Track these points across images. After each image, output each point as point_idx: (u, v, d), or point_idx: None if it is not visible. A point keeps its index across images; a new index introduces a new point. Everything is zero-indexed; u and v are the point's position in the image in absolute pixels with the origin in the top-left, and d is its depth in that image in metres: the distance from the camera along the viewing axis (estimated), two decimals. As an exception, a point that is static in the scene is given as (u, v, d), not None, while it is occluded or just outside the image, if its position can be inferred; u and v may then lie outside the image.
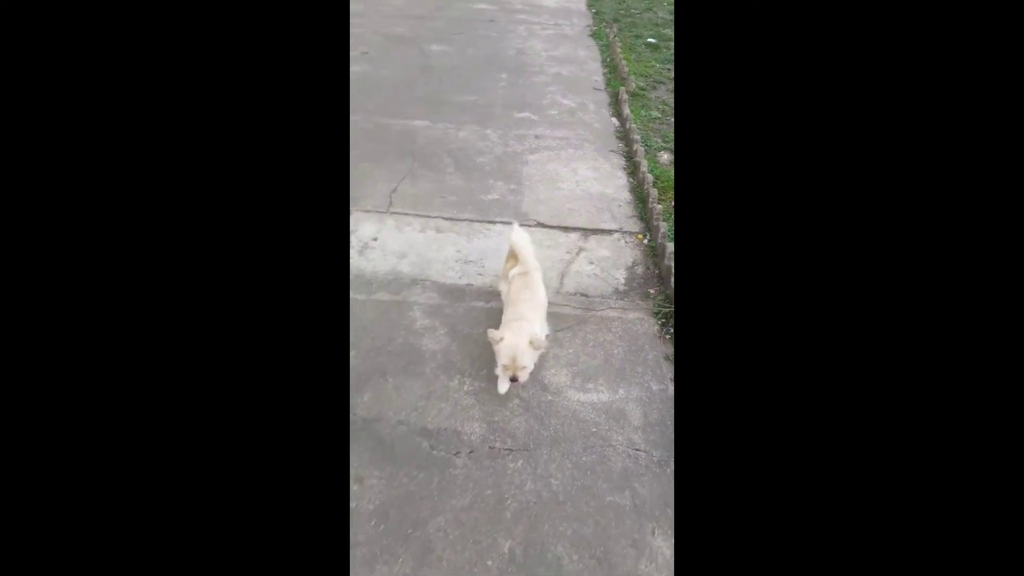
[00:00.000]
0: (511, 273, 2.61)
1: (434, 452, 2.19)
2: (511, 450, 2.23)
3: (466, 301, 2.95)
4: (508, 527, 1.97)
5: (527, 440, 2.28)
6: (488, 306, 2.93)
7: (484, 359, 2.59)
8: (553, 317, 2.90)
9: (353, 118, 4.62)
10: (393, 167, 4.06)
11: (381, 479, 2.08)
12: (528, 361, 2.22)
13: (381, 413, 2.32)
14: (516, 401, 2.43)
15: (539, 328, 2.39)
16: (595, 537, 1.96)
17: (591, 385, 2.53)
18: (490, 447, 2.23)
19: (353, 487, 2.04)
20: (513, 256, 2.65)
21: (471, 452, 2.21)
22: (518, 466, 2.17)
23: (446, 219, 3.57)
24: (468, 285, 3.06)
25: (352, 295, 2.91)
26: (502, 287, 2.70)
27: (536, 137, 4.65)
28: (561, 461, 2.20)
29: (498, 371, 2.36)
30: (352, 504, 1.98)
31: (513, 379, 2.25)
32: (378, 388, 2.42)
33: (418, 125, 4.66)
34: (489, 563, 1.86)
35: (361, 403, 2.35)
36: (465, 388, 2.47)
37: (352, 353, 2.57)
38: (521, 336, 2.21)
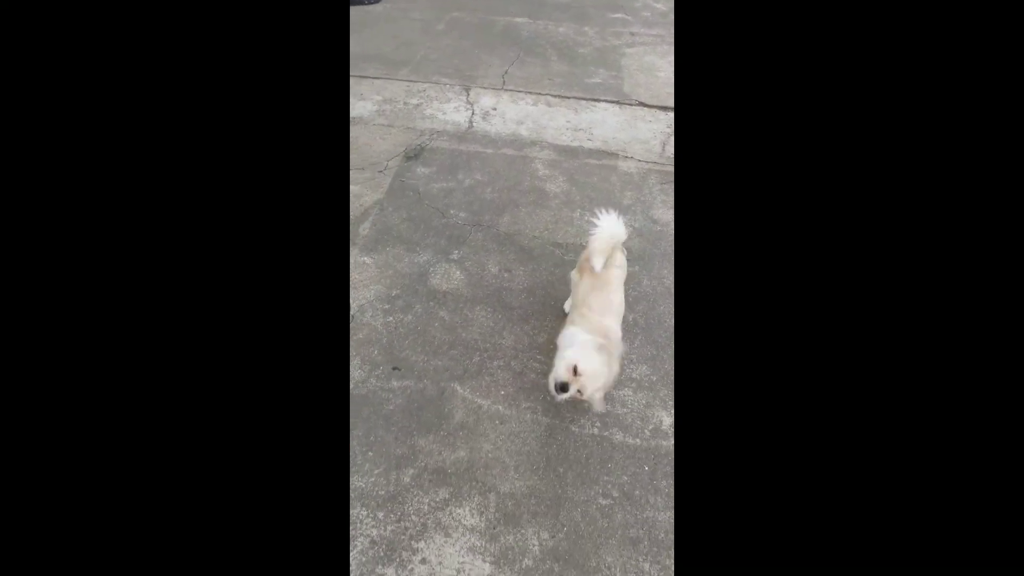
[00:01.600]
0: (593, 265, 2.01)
1: (565, 257, 2.65)
2: (629, 260, 2.66)
3: (580, 159, 3.35)
4: (631, 306, 2.42)
5: (641, 254, 2.70)
6: (600, 163, 3.32)
7: (600, 201, 3.00)
8: (657, 173, 3.27)
9: (458, 15, 4.96)
10: (503, 54, 4.41)
11: (525, 271, 2.56)
12: (600, 379, 1.70)
13: (519, 230, 2.79)
14: (630, 228, 2.84)
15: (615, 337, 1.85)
16: (704, 317, 2.39)
17: (695, 221, 2.91)
18: (611, 257, 2.67)
19: (504, 273, 2.53)
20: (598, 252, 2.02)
21: (596, 259, 2.65)
22: (635, 270, 2.61)
23: (555, 96, 3.93)
24: (580, 147, 3.45)
25: (480, 149, 3.35)
26: (573, 277, 2.20)
27: (632, 34, 4.86)
28: (670, 268, 2.62)
29: (551, 386, 1.75)
30: (507, 284, 2.48)
31: (563, 388, 1.69)
32: (514, 213, 2.89)
33: (520, 22, 4.96)
34: (618, 326, 2.33)
35: (502, 222, 2.82)
36: (586, 219, 2.89)
37: (488, 190, 3.03)
38: (588, 352, 1.71)
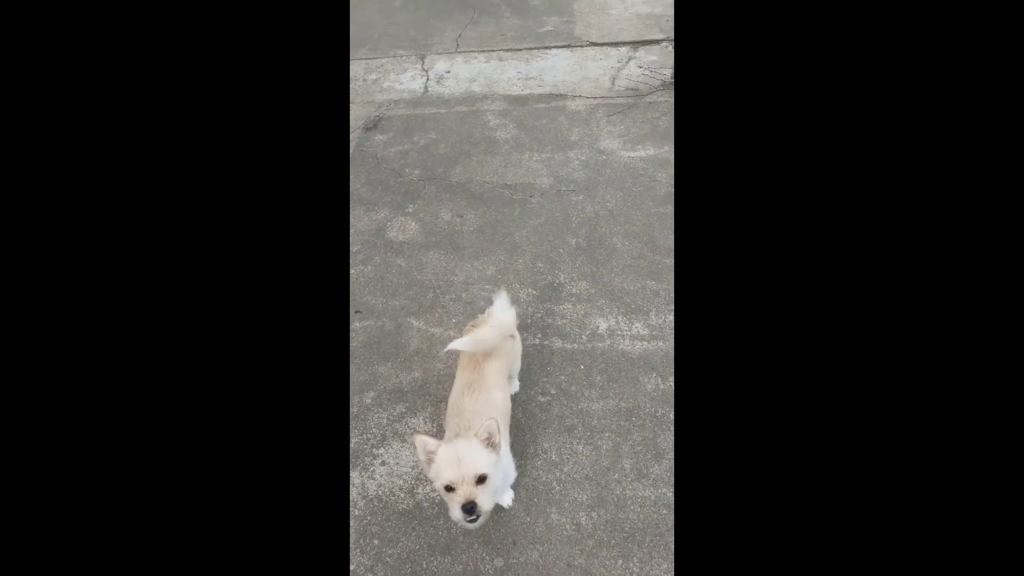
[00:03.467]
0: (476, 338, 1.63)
1: (514, 196, 2.81)
2: (574, 190, 2.80)
3: (529, 105, 3.46)
4: (574, 231, 2.57)
5: (586, 183, 2.83)
6: (548, 106, 3.43)
7: (548, 141, 3.13)
8: (605, 107, 3.36)
9: (415, -13, 5.06)
10: (457, 19, 4.52)
11: (475, 214, 2.73)
12: (484, 465, 1.31)
13: (470, 178, 2.95)
14: (576, 162, 2.97)
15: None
16: (642, 231, 2.52)
17: (639, 146, 3.01)
18: (557, 191, 2.81)
19: (456, 219, 2.71)
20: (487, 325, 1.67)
21: (543, 194, 2.80)
22: (579, 199, 2.75)
23: (507, 50, 4.03)
24: (529, 94, 3.56)
25: (435, 110, 3.50)
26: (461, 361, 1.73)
27: (585, -23, 4.87)
28: (615, 192, 2.75)
29: (451, 507, 1.34)
30: (459, 228, 2.66)
31: (468, 509, 1.29)
32: (465, 164, 3.05)
33: (474, -16, 5.02)
34: (561, 250, 2.49)
35: (454, 173, 2.99)
36: (535, 159, 3.03)
37: (441, 146, 3.19)
38: (467, 442, 1.35)
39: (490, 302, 1.78)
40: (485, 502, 1.31)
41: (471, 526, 1.40)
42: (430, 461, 1.33)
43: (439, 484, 1.32)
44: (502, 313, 1.68)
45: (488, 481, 1.31)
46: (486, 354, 1.64)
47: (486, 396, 1.56)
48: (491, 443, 1.36)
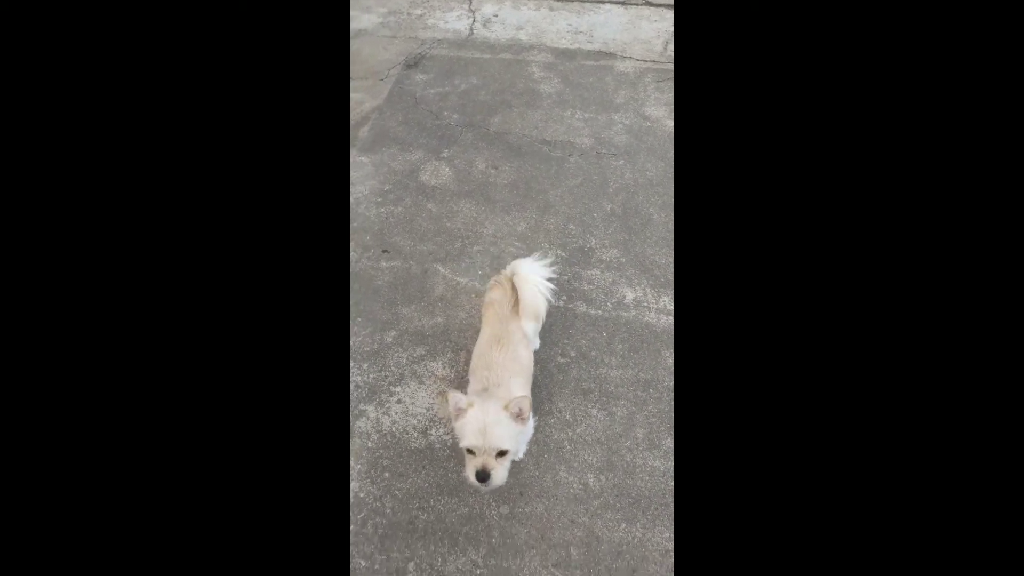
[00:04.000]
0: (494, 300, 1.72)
1: (552, 153, 2.75)
2: (614, 154, 2.74)
3: (577, 60, 3.35)
4: (611, 196, 2.53)
5: (628, 149, 2.76)
6: (597, 64, 3.31)
7: (592, 100, 3.04)
8: (655, 71, 3.24)
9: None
10: (509, -41, 4.32)
11: (511, 167, 2.68)
12: (507, 441, 1.35)
13: (508, 129, 2.88)
14: (620, 125, 2.89)
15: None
16: (680, 205, 2.48)
17: (686, 117, 2.93)
18: (597, 152, 2.75)
19: (490, 170, 2.66)
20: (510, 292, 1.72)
21: (582, 154, 2.74)
22: (619, 164, 2.68)
23: (558, 0, 3.87)
24: (578, 49, 3.43)
25: (479, 55, 3.39)
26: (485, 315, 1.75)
27: (648, -69, 4.62)
28: (656, 162, 2.68)
29: (467, 466, 1.40)
30: (493, 180, 2.61)
31: (481, 477, 1.34)
32: (505, 114, 2.97)
33: (531, -76, 4.78)
34: (595, 215, 2.45)
35: (492, 123, 2.92)
36: (576, 116, 2.95)
37: (482, 93, 3.11)
38: (496, 412, 1.36)
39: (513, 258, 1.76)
40: (499, 475, 1.36)
41: (481, 489, 1.46)
42: (458, 418, 1.36)
43: (462, 444, 1.36)
44: (533, 275, 1.70)
45: (507, 455, 1.36)
46: (514, 311, 1.67)
47: (514, 352, 1.59)
48: (520, 417, 1.38)
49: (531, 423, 1.56)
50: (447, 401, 1.38)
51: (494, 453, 1.34)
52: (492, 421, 1.33)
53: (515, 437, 1.37)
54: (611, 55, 3.37)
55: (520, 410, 1.37)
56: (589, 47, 3.44)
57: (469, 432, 1.34)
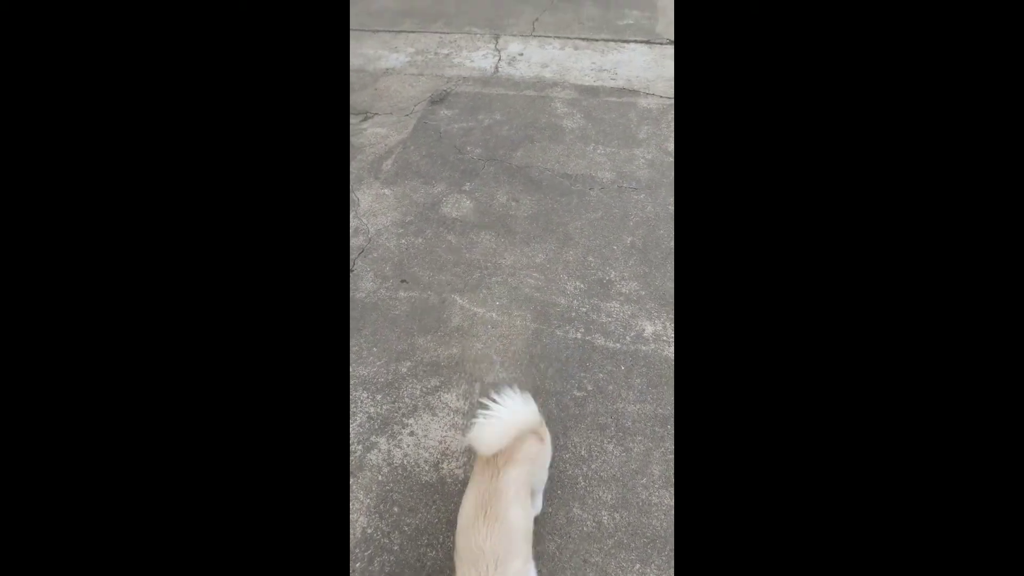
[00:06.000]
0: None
1: (573, 187, 2.76)
2: (635, 188, 2.74)
3: (600, 97, 3.40)
4: (631, 230, 2.51)
5: (650, 183, 2.76)
6: (620, 100, 3.35)
7: (615, 135, 3.07)
8: (678, 107, 3.27)
9: (498, -34, 5.03)
10: (536, 2, 4.47)
11: (532, 200, 2.70)
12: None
13: (530, 163, 2.92)
14: (642, 160, 2.90)
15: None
16: (701, 238, 2.44)
17: (708, 151, 2.92)
18: (618, 187, 2.75)
19: (511, 202, 2.69)
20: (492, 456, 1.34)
21: (603, 188, 2.75)
22: (641, 198, 2.68)
23: (583, 39, 3.96)
24: (601, 86, 3.49)
25: (503, 91, 3.48)
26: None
27: (672, -27, 4.73)
28: (677, 195, 2.67)
29: None
30: (513, 212, 2.64)
31: None
32: (527, 149, 3.01)
33: (557, -31, 4.95)
34: (615, 247, 2.43)
35: (515, 157, 2.96)
36: (599, 152, 2.98)
37: (505, 128, 3.17)
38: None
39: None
40: None
41: None
42: None
43: None
44: (519, 405, 1.35)
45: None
46: (505, 459, 1.33)
47: (503, 525, 1.24)
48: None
49: None
50: None
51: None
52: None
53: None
54: (634, 92, 3.41)
55: None
56: (612, 84, 3.50)
57: None
